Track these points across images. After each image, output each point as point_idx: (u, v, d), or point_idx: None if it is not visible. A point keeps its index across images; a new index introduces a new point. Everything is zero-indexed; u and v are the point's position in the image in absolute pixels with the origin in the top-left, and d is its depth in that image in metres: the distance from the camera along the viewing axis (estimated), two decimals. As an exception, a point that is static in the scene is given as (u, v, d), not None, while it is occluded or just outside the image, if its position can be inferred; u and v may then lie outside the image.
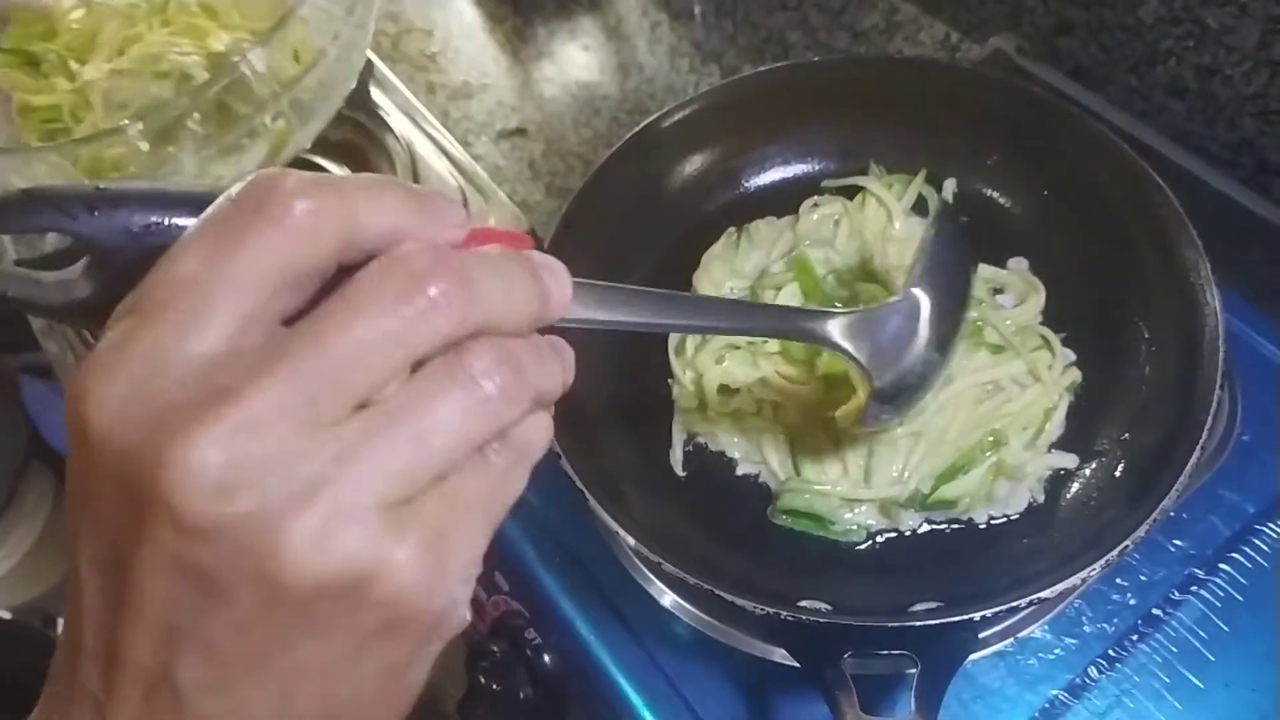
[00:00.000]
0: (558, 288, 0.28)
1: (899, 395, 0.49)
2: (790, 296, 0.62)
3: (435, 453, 0.24)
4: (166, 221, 0.27)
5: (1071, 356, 0.59)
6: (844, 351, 0.47)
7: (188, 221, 0.26)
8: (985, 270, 0.62)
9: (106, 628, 0.24)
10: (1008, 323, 0.59)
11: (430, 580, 0.24)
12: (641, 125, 0.65)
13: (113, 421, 0.22)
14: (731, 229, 0.67)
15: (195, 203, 0.26)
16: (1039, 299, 0.60)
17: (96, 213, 0.26)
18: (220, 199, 0.25)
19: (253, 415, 0.22)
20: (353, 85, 0.73)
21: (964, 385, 0.57)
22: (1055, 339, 0.59)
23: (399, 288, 0.24)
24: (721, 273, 0.65)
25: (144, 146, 0.61)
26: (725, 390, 0.59)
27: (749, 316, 0.48)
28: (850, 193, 0.67)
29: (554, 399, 0.28)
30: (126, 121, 0.58)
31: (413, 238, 0.26)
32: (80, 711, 0.24)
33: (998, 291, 0.62)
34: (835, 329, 0.47)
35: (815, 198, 0.67)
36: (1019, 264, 0.63)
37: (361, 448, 0.23)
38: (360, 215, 0.25)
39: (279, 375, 0.22)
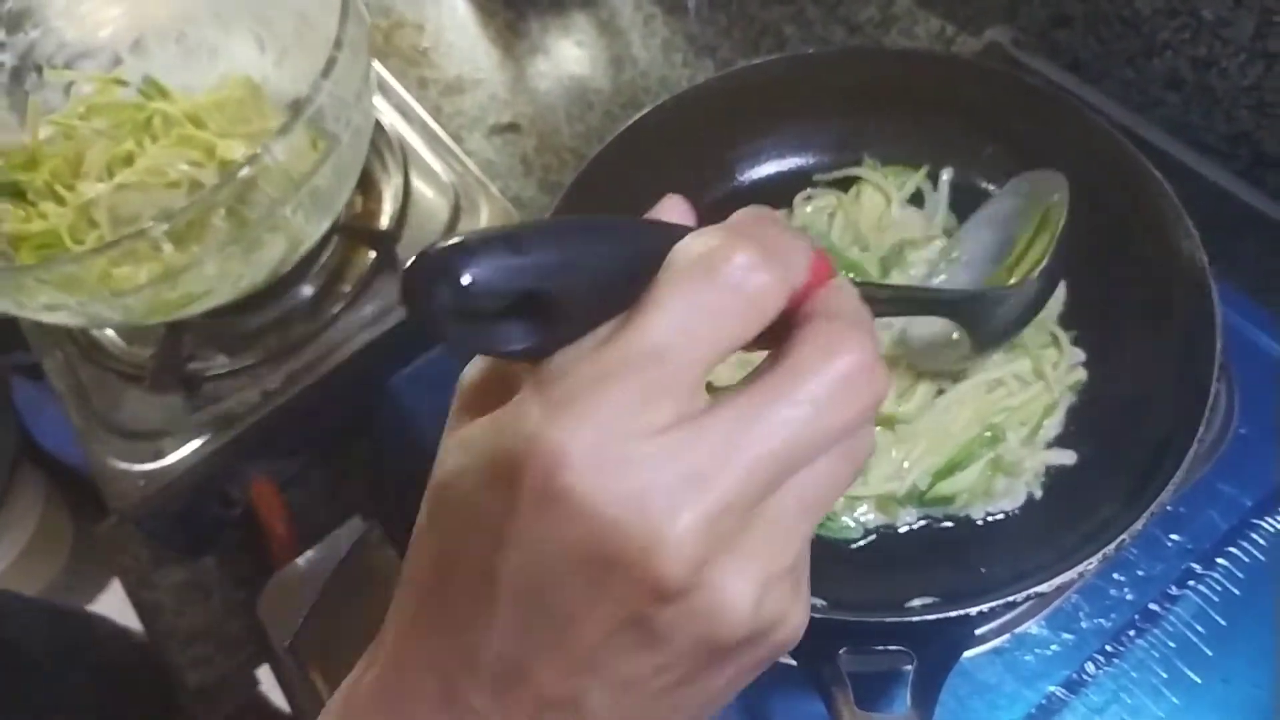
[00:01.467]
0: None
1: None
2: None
3: (827, 510, 0.28)
4: (620, 268, 0.26)
5: (1081, 356, 0.58)
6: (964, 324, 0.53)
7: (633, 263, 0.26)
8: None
9: (515, 656, 0.25)
10: None
11: (807, 615, 0.28)
12: (635, 118, 0.64)
13: (594, 488, 0.23)
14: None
15: (635, 239, 0.27)
16: (1056, 299, 0.60)
17: (571, 259, 0.25)
18: (682, 260, 0.25)
19: (723, 503, 0.24)
20: (359, 171, 0.73)
21: (971, 384, 0.57)
22: (1065, 338, 0.58)
23: (846, 387, 0.26)
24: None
25: (168, 249, 0.60)
26: (713, 390, 0.59)
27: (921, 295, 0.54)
28: (844, 186, 0.67)
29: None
30: (151, 223, 0.57)
31: (802, 285, 0.27)
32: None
33: None
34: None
35: (808, 190, 0.67)
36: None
37: (790, 523, 0.26)
38: (792, 282, 0.26)
39: (742, 465, 0.24)
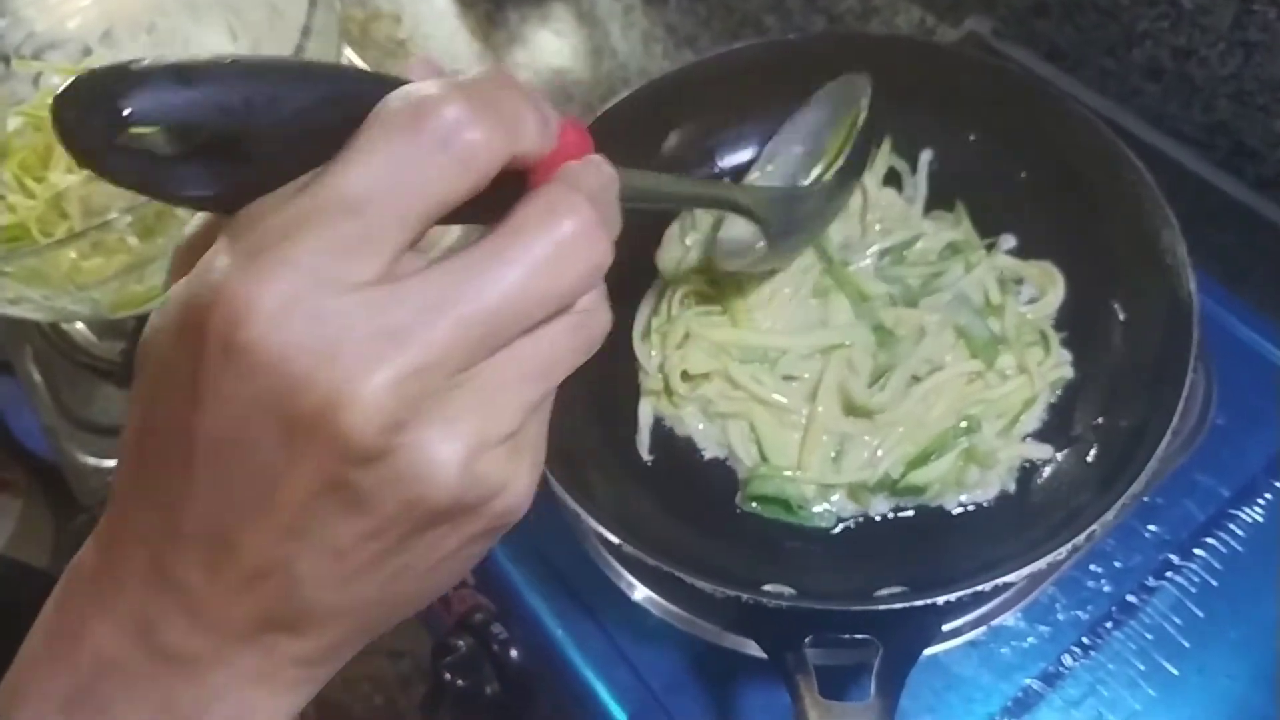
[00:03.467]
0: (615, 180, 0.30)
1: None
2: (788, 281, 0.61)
3: (554, 382, 0.27)
4: (324, 107, 0.24)
5: (1068, 357, 0.57)
6: (764, 223, 0.52)
7: (337, 107, 0.24)
8: (1004, 260, 0.61)
9: (222, 519, 0.24)
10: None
11: (533, 488, 0.27)
12: (612, 103, 0.63)
13: (279, 341, 0.22)
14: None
15: (342, 87, 0.25)
16: (1056, 295, 0.59)
17: (258, 101, 0.23)
18: (388, 110, 0.24)
19: (424, 361, 0.23)
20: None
21: (950, 374, 0.56)
22: (1054, 338, 0.57)
23: (564, 250, 0.25)
24: (678, 249, 0.64)
25: (133, 241, 0.60)
26: (690, 378, 0.58)
27: (695, 189, 0.53)
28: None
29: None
30: (115, 214, 0.56)
31: (535, 157, 0.26)
32: (164, 598, 0.25)
33: (1017, 283, 0.61)
34: (764, 202, 0.52)
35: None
36: (1008, 241, 0.62)
37: (508, 388, 0.25)
38: (514, 144, 0.25)
39: (447, 323, 0.23)
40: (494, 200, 0.25)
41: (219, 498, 0.24)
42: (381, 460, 0.23)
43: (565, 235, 0.25)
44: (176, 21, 0.79)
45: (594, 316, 0.27)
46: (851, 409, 0.55)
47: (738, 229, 0.58)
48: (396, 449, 0.23)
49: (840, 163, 0.55)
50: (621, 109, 0.64)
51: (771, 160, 0.63)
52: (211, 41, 0.79)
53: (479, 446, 0.24)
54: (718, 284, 0.61)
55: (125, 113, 0.21)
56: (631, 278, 0.64)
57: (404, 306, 0.23)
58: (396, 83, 0.25)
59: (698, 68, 0.66)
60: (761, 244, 0.55)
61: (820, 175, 0.59)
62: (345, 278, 0.23)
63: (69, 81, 0.21)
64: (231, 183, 0.24)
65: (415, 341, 0.23)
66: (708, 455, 0.58)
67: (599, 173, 0.28)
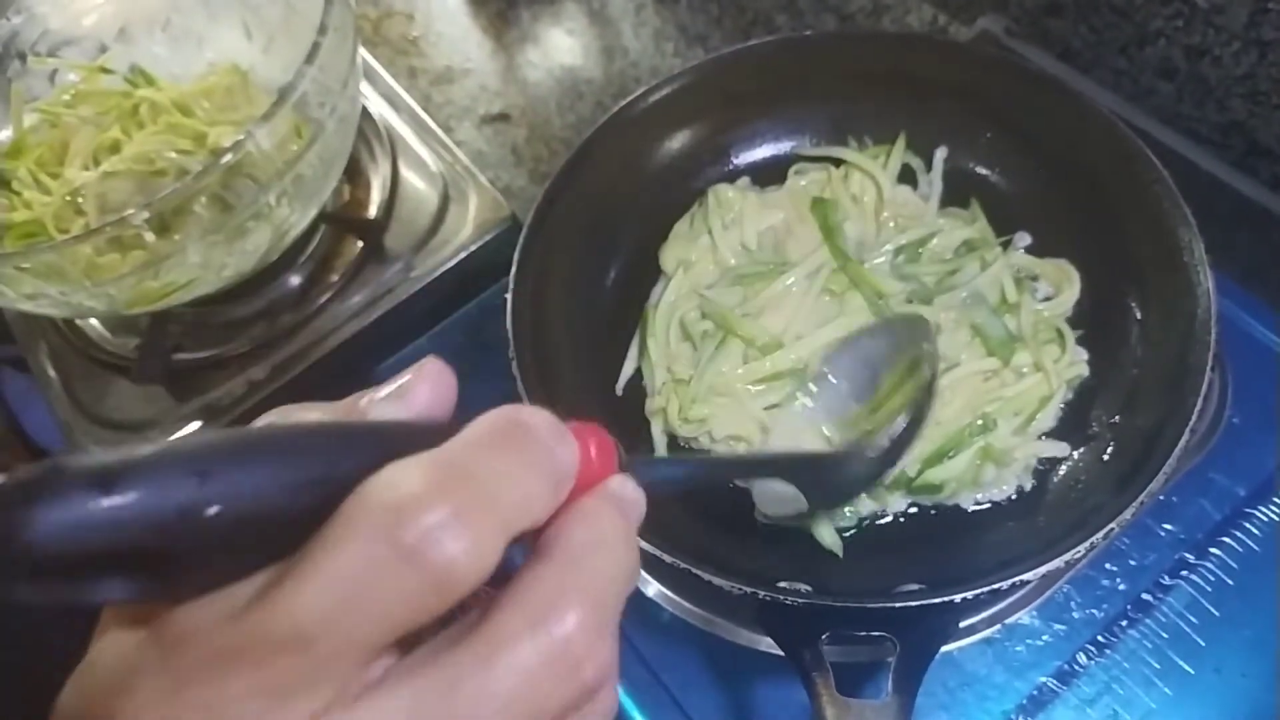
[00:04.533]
0: (641, 517, 0.26)
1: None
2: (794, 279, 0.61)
3: None
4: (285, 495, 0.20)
5: (1084, 355, 0.57)
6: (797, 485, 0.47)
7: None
8: (1019, 258, 0.61)
9: None
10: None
11: None
12: (628, 100, 0.63)
13: None
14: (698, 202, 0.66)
15: (304, 468, 0.21)
16: (1072, 293, 0.59)
17: (192, 505, 0.19)
18: (356, 517, 0.20)
19: None
20: (346, 160, 0.72)
21: (966, 371, 0.56)
22: (1070, 336, 0.57)
23: (552, 665, 0.21)
24: (683, 246, 0.64)
25: (150, 237, 0.59)
26: (691, 420, 0.58)
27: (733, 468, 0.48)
28: (837, 160, 0.66)
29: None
30: (131, 211, 0.56)
31: (537, 522, 0.23)
32: None
33: (1033, 280, 0.61)
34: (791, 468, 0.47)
35: (800, 164, 0.66)
36: (1023, 239, 0.62)
37: None
38: (509, 533, 0.21)
39: None
40: None
41: None
42: None
43: (555, 647, 0.21)
44: (192, 19, 0.80)
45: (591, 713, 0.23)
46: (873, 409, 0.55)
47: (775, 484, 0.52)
48: None
49: (901, 429, 0.49)
50: (634, 107, 0.64)
51: (819, 384, 0.57)
52: (227, 39, 0.79)
53: None
54: (715, 289, 0.62)
55: (32, 543, 0.17)
56: (635, 278, 0.64)
57: None
58: (382, 453, 0.21)
59: (711, 65, 0.66)
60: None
61: (872, 405, 0.53)
62: (292, 713, 0.20)
63: None
64: (161, 590, 0.20)
65: None
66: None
67: (611, 525, 0.24)
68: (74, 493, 0.18)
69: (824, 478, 0.48)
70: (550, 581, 0.22)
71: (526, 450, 0.22)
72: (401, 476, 0.20)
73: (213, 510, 0.19)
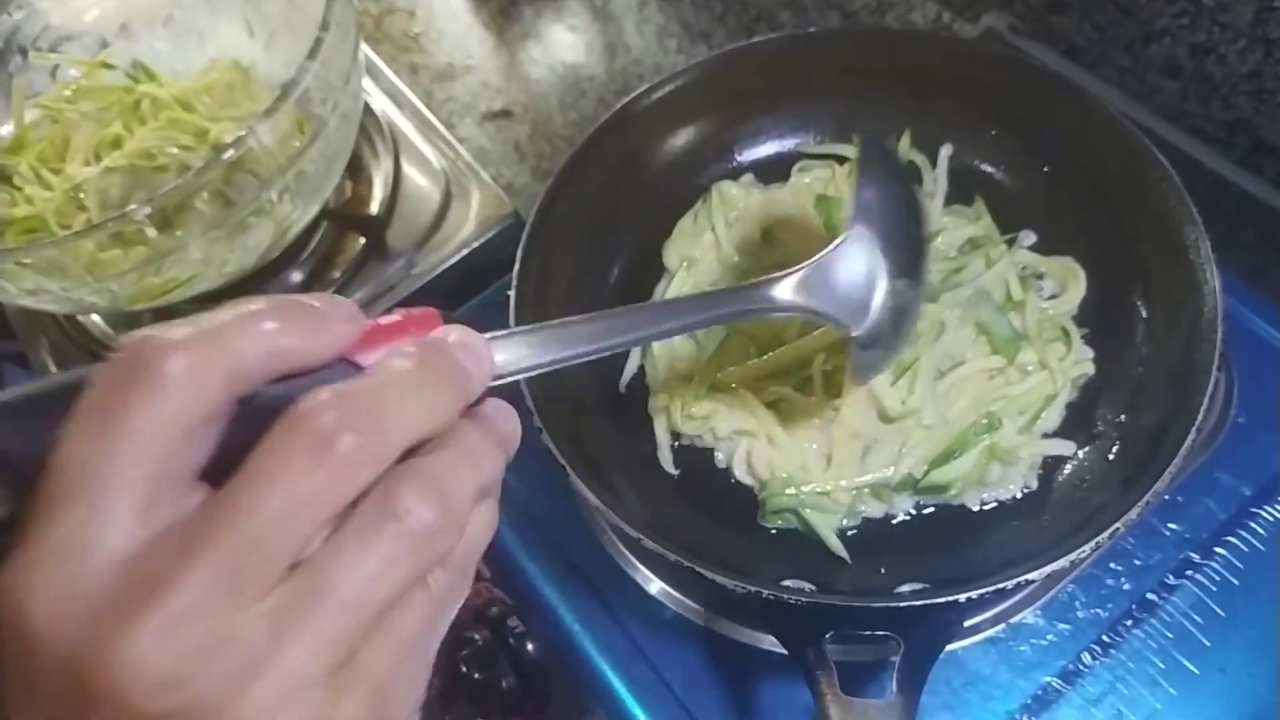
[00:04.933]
0: (476, 364, 0.28)
1: (881, 336, 0.46)
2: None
3: (371, 608, 0.24)
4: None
5: (1089, 354, 0.57)
6: (806, 310, 0.44)
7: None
8: (1025, 256, 0.61)
9: None
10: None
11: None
12: (631, 96, 0.63)
13: (48, 621, 0.22)
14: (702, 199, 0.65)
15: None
16: (1078, 291, 0.59)
17: (11, 426, 0.24)
18: (100, 371, 0.24)
19: (184, 604, 0.22)
20: (348, 157, 0.72)
21: (971, 370, 0.56)
22: (1076, 334, 0.57)
23: (309, 448, 0.23)
24: (687, 243, 0.64)
25: (152, 233, 0.59)
26: (694, 418, 0.58)
27: (697, 309, 0.41)
28: (841, 160, 0.66)
29: (498, 482, 0.28)
30: (133, 206, 0.56)
31: (301, 357, 0.25)
32: None
33: (1038, 278, 0.61)
34: (788, 290, 0.44)
35: (803, 162, 0.66)
36: (1028, 237, 0.62)
37: (297, 621, 0.23)
38: (239, 351, 0.24)
39: (201, 559, 0.22)
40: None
41: None
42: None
43: (313, 442, 0.23)
44: (194, 15, 0.79)
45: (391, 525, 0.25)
46: (884, 415, 0.55)
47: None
48: (180, 709, 0.22)
49: (854, 206, 0.47)
50: (637, 104, 0.64)
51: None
52: (228, 35, 0.79)
53: (279, 695, 0.23)
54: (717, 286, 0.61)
55: None
56: (638, 275, 0.64)
57: (158, 553, 0.22)
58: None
59: (715, 62, 0.66)
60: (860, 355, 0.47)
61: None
62: (101, 539, 0.22)
63: None
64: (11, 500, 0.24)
65: (169, 587, 0.22)
66: (724, 464, 0.58)
67: (401, 364, 0.26)
68: None
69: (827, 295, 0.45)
70: (320, 393, 0.25)
71: (266, 306, 0.25)
72: (131, 334, 0.24)
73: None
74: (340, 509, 0.24)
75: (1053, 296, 0.59)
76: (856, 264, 0.46)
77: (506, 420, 0.29)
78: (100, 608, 0.22)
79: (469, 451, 0.27)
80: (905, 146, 0.65)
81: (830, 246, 0.46)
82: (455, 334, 0.28)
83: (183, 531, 0.23)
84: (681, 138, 0.66)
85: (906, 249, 0.48)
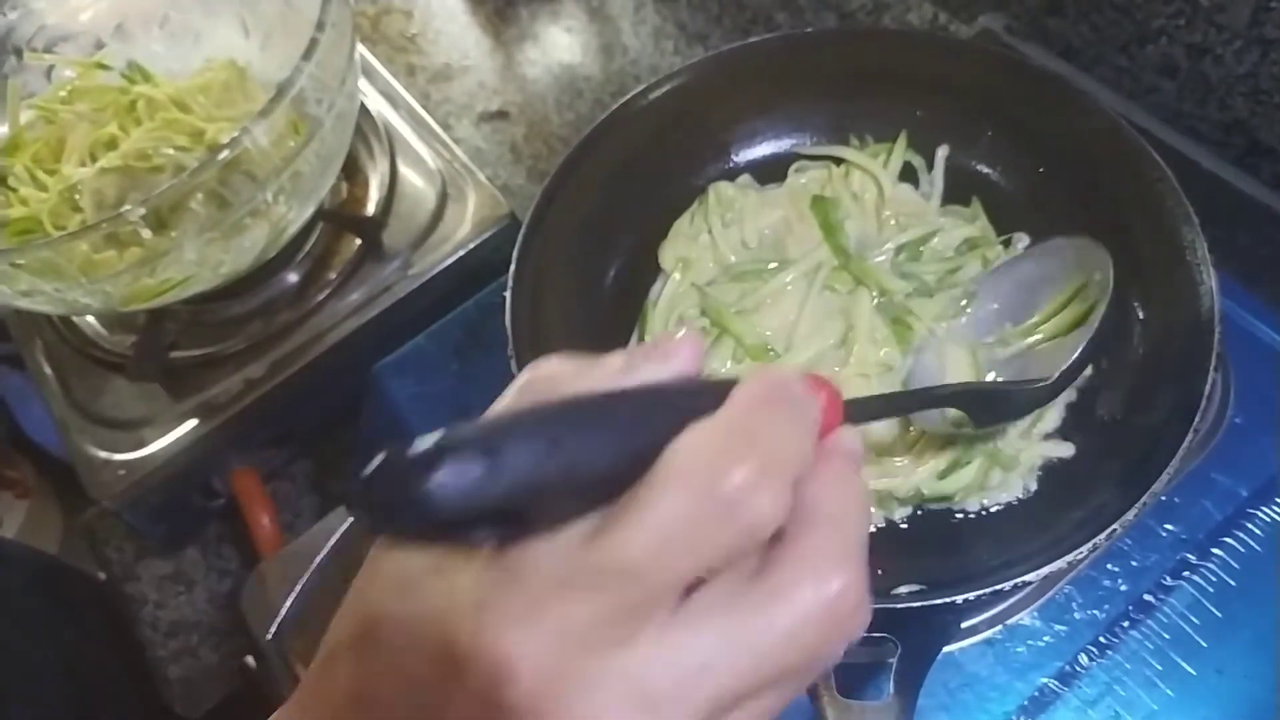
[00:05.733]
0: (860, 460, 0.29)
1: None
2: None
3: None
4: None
5: None
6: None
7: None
8: None
9: None
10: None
11: None
12: (628, 97, 0.63)
13: (544, 708, 0.22)
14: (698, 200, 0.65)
15: (633, 430, 0.25)
16: None
17: (553, 472, 0.23)
18: (678, 467, 0.24)
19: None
20: (344, 157, 0.72)
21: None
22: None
23: (828, 619, 0.25)
24: (683, 244, 0.64)
25: (147, 234, 0.59)
26: None
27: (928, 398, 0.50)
28: (838, 161, 0.66)
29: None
30: (128, 207, 0.56)
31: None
32: None
33: None
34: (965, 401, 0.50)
35: (800, 163, 0.66)
36: (1021, 239, 0.62)
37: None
38: (792, 482, 0.25)
39: (700, 692, 0.23)
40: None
41: None
42: None
43: (831, 603, 0.24)
44: (189, 15, 0.79)
45: (819, 668, 0.26)
46: (882, 451, 0.55)
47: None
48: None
49: (1073, 362, 0.50)
50: (633, 105, 0.64)
51: (976, 299, 0.58)
52: (224, 36, 0.79)
53: None
54: (715, 285, 0.62)
55: (430, 503, 0.21)
56: (634, 276, 0.64)
57: (659, 670, 0.23)
58: (679, 419, 0.25)
59: (711, 63, 0.66)
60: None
61: (1029, 326, 0.56)
62: (615, 640, 0.23)
63: (374, 466, 0.21)
64: (513, 536, 0.24)
65: (667, 712, 0.23)
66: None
67: (853, 490, 0.27)
68: (470, 459, 0.21)
69: (995, 406, 0.51)
70: (824, 543, 0.25)
71: (792, 407, 0.26)
72: (705, 439, 0.24)
73: (561, 471, 0.23)
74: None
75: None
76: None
77: (857, 446, 0.29)
78: (604, 710, 0.23)
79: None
80: (902, 148, 0.65)
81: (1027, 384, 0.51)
82: (855, 445, 0.29)
83: (679, 650, 0.23)
84: (678, 139, 0.65)
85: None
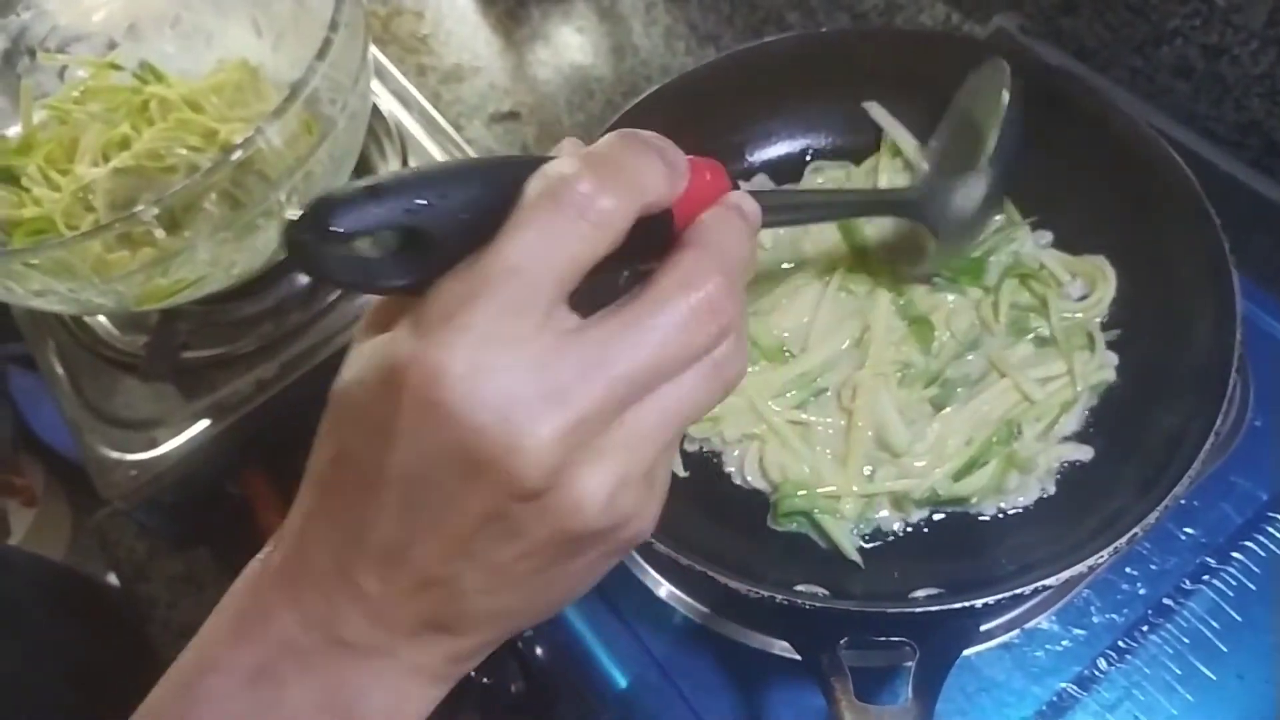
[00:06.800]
0: (758, 225, 0.34)
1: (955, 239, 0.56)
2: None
3: (690, 423, 0.31)
4: (486, 202, 0.29)
5: (1114, 360, 0.57)
6: (922, 218, 0.54)
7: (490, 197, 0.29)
8: (1053, 254, 0.60)
9: (401, 538, 0.29)
10: (1064, 316, 0.58)
11: (659, 512, 0.32)
12: (640, 98, 0.63)
13: (465, 398, 0.26)
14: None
15: (496, 177, 0.29)
16: (1107, 290, 0.58)
17: (431, 200, 0.28)
18: (533, 192, 0.28)
19: (582, 416, 0.27)
20: (356, 158, 0.72)
21: (1006, 385, 0.56)
22: (1100, 339, 0.57)
23: (697, 316, 0.29)
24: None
25: (159, 234, 0.59)
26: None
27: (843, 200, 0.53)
28: (855, 159, 0.66)
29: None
30: (141, 207, 0.57)
31: (660, 205, 0.30)
32: (346, 600, 0.30)
33: (1070, 277, 0.60)
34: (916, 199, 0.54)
35: (818, 162, 0.66)
36: (1044, 236, 0.62)
37: (648, 434, 0.29)
38: (646, 201, 0.29)
39: (601, 383, 0.28)
40: (646, 239, 0.30)
41: (401, 520, 0.29)
42: (540, 497, 0.28)
43: (698, 303, 0.29)
44: (201, 16, 0.79)
45: (728, 364, 0.30)
46: (886, 447, 0.55)
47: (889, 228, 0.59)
48: (553, 488, 0.28)
49: (989, 151, 0.55)
50: (645, 106, 0.63)
51: (930, 158, 0.63)
52: (236, 37, 0.79)
53: (621, 484, 0.29)
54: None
55: (337, 230, 0.26)
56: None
57: (565, 368, 0.27)
58: (539, 163, 0.29)
59: (724, 63, 0.65)
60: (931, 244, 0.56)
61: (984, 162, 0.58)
62: (514, 335, 0.27)
63: (298, 214, 0.27)
64: (422, 269, 0.28)
65: (575, 400, 0.27)
66: (731, 468, 0.58)
67: (734, 223, 0.32)
68: (359, 199, 0.27)
69: (936, 209, 0.55)
70: (693, 259, 0.30)
71: (646, 148, 0.31)
72: (556, 166, 0.29)
73: (441, 199, 0.28)
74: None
75: (1082, 298, 0.59)
76: (969, 192, 0.56)
77: (749, 204, 0.34)
78: (517, 398, 0.27)
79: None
80: (915, 150, 0.64)
81: (964, 176, 0.56)
82: (742, 204, 0.34)
83: (582, 345, 0.28)
84: (691, 139, 0.65)
85: (999, 188, 0.57)
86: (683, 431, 0.31)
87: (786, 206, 0.42)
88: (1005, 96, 0.56)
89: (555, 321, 0.28)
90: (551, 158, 0.30)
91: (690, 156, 0.33)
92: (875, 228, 0.62)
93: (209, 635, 0.33)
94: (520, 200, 0.28)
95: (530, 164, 0.29)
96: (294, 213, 0.27)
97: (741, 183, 0.65)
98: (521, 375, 0.27)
